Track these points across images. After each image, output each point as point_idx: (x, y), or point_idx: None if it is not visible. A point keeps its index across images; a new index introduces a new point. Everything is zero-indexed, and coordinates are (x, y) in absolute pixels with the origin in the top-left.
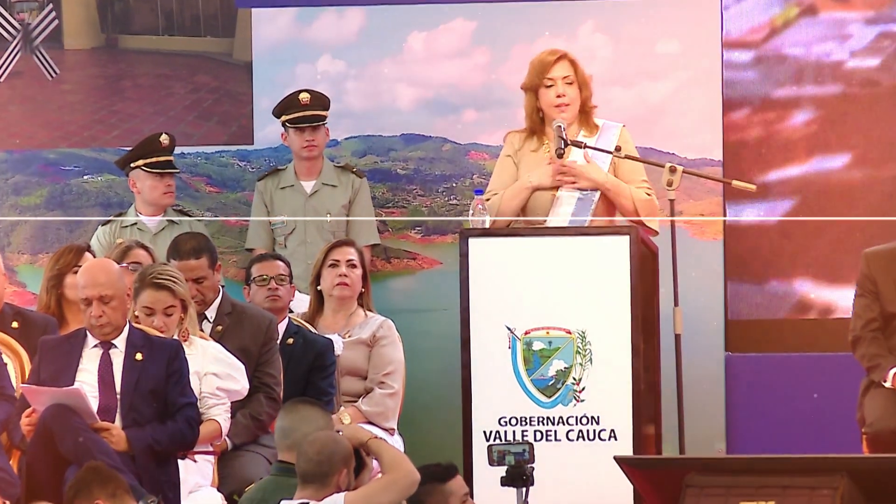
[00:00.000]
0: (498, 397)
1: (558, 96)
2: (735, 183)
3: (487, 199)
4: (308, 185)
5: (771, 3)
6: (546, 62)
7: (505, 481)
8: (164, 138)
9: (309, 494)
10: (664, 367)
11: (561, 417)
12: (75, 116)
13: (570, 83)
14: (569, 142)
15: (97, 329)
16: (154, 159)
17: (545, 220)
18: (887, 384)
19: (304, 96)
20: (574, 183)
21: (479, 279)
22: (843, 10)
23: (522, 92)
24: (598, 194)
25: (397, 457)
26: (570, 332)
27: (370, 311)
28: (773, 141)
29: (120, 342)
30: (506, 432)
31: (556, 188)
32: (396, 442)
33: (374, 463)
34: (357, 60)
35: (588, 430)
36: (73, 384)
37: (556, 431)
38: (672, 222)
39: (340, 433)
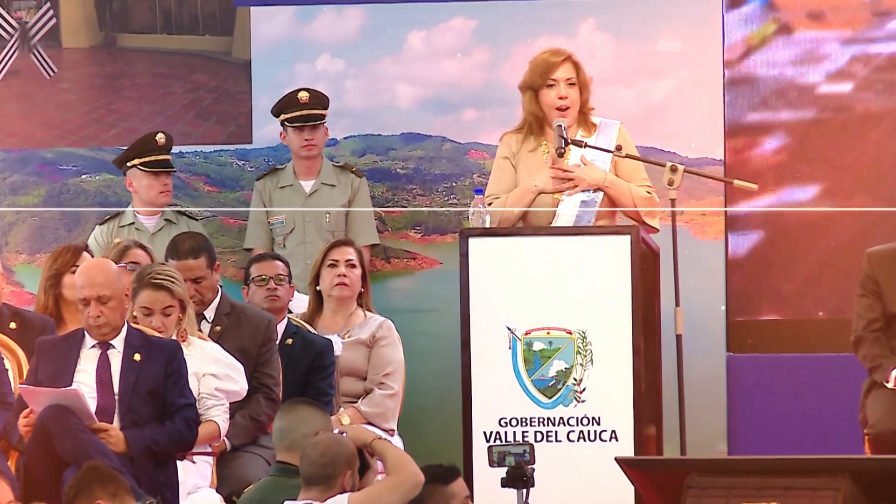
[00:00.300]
0: (498, 398)
1: (560, 98)
2: (737, 182)
3: (490, 204)
4: (307, 185)
5: (749, 20)
6: (550, 63)
7: (505, 482)
8: (160, 137)
9: (313, 496)
10: (665, 367)
11: (561, 418)
12: (73, 115)
13: (573, 85)
14: (570, 141)
15: (95, 329)
16: (150, 158)
17: (551, 220)
18: (889, 385)
19: (303, 95)
20: (575, 188)
21: (479, 279)
22: (819, 28)
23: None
24: (601, 195)
25: (402, 458)
26: (570, 333)
27: (370, 311)
28: (742, 169)
29: (118, 342)
30: (506, 433)
31: (559, 192)
32: (396, 443)
33: (378, 464)
34: (356, 59)
35: (589, 431)
36: (70, 385)
37: (556, 432)
38: (673, 224)
39: (344, 434)
